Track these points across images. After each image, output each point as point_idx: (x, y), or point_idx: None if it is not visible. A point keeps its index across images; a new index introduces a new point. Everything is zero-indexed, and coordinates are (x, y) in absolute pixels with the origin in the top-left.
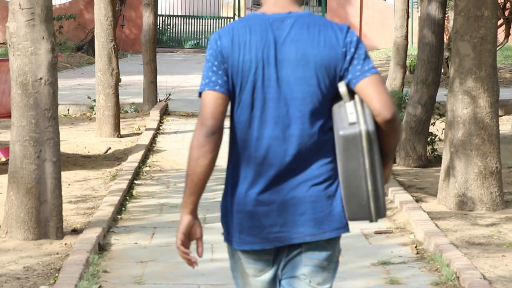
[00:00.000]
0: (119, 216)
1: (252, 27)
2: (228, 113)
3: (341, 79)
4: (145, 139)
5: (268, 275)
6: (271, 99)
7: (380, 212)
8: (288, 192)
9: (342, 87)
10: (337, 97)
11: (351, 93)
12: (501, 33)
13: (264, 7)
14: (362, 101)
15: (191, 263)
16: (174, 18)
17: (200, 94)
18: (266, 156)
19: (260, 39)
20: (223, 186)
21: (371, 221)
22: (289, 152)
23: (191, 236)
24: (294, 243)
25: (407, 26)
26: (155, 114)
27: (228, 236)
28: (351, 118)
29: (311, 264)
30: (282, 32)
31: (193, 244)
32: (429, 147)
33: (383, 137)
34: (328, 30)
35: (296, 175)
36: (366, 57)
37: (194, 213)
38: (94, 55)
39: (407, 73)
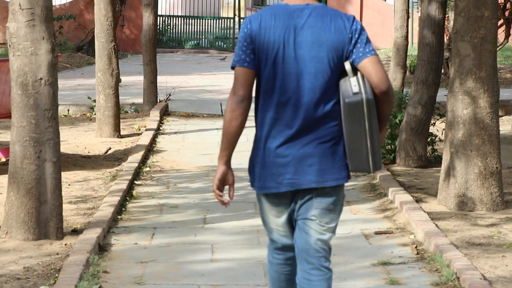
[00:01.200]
0: (119, 217)
1: (276, 15)
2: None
3: (346, 58)
4: (145, 139)
5: (286, 216)
6: (290, 73)
7: (377, 166)
8: (300, 148)
9: (347, 65)
10: (343, 74)
11: (355, 70)
12: (501, 34)
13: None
14: (363, 76)
15: (224, 203)
16: (174, 18)
17: (233, 67)
18: (288, 114)
19: (283, 25)
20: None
21: (369, 172)
22: (306, 114)
23: (225, 182)
24: (302, 188)
25: (407, 26)
26: (155, 114)
27: (252, 183)
28: (354, 89)
29: (320, 207)
30: (301, 20)
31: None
32: (429, 148)
33: (379, 106)
34: (338, 19)
35: (308, 134)
36: (368, 41)
37: (228, 164)
38: (94, 55)
39: (407, 73)
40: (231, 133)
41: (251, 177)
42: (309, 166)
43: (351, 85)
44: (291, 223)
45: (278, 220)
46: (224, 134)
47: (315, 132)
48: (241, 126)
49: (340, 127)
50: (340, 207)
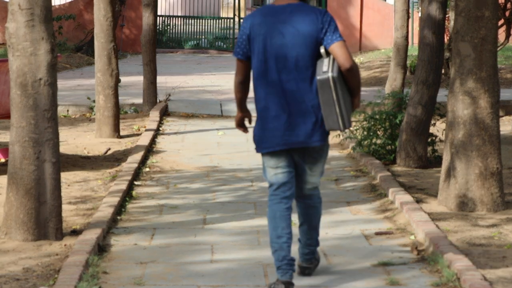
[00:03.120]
0: (118, 217)
1: (265, 13)
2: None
3: (320, 44)
4: (145, 140)
5: (286, 169)
6: (277, 57)
7: (346, 125)
8: (292, 115)
9: (321, 49)
10: (319, 56)
11: (327, 53)
12: (501, 34)
13: (275, 1)
14: (333, 58)
15: (245, 132)
16: (174, 18)
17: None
18: (277, 90)
19: (270, 20)
20: (223, 187)
21: (340, 130)
22: (291, 89)
23: (243, 121)
24: (294, 147)
25: (407, 26)
26: (155, 114)
27: (257, 146)
28: (324, 69)
29: (310, 161)
30: (284, 16)
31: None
32: (429, 148)
33: (347, 79)
34: (312, 14)
35: (296, 102)
36: (336, 30)
37: (242, 110)
38: (93, 55)
39: (408, 73)
40: (238, 99)
41: (255, 143)
42: (298, 130)
43: (323, 65)
44: (286, 169)
45: (279, 173)
46: (235, 98)
47: (302, 103)
48: (244, 96)
49: (318, 99)
50: (324, 158)
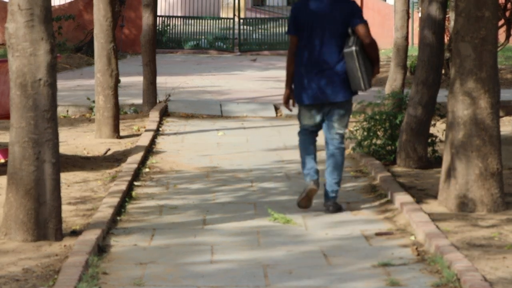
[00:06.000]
0: (118, 218)
1: (309, 2)
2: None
3: (348, 25)
4: (144, 140)
5: (317, 118)
6: (317, 35)
7: (366, 86)
8: (324, 76)
9: (349, 29)
10: (348, 35)
11: (353, 32)
12: (501, 34)
13: None
14: (357, 36)
15: (290, 110)
16: (174, 19)
17: (287, 33)
18: (316, 59)
19: (312, 8)
20: (223, 187)
21: (363, 90)
22: (325, 58)
23: (290, 98)
24: (324, 102)
25: (407, 27)
26: (154, 115)
27: (296, 99)
28: (350, 44)
29: (337, 114)
30: (323, 5)
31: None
32: (429, 148)
33: (368, 52)
34: (343, 3)
35: (329, 68)
36: (360, 15)
37: (290, 88)
38: (93, 56)
39: (408, 74)
40: (289, 72)
41: (296, 97)
42: (327, 88)
43: (349, 41)
44: (319, 119)
45: (311, 121)
46: (286, 71)
47: (333, 67)
48: (293, 68)
49: (345, 66)
50: (348, 112)
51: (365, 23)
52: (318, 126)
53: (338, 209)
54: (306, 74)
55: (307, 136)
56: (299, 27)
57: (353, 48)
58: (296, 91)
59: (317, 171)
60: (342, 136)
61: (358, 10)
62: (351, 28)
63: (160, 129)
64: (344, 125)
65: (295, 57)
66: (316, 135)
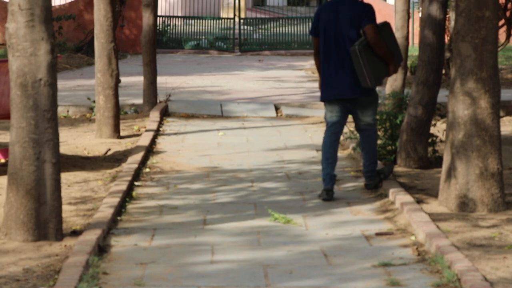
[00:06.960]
0: (119, 218)
1: (328, 6)
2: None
3: (360, 26)
4: (145, 140)
5: (341, 113)
6: (333, 35)
7: (372, 83)
8: (342, 74)
9: (360, 30)
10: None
11: (364, 32)
12: (502, 34)
13: None
14: (365, 36)
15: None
16: (174, 19)
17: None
18: (335, 58)
19: (331, 10)
20: (223, 188)
21: (368, 87)
22: (342, 56)
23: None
24: (344, 98)
25: (408, 27)
26: (155, 115)
27: (320, 96)
28: (356, 43)
29: (360, 107)
30: (341, 8)
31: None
32: (430, 148)
33: (375, 50)
34: (358, 6)
35: (345, 67)
36: (370, 17)
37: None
38: (93, 56)
39: (408, 74)
40: (317, 66)
41: (321, 93)
42: (344, 86)
43: (356, 41)
44: (337, 113)
45: (332, 113)
46: (317, 68)
47: (348, 67)
48: (319, 65)
49: None
50: (374, 102)
51: (373, 23)
52: (341, 124)
53: (376, 185)
54: (327, 72)
55: (329, 138)
56: (320, 29)
57: (356, 46)
58: (321, 87)
59: (332, 178)
60: (369, 124)
61: (371, 13)
62: (362, 29)
63: (161, 129)
64: (370, 115)
65: (319, 56)
66: (339, 137)
